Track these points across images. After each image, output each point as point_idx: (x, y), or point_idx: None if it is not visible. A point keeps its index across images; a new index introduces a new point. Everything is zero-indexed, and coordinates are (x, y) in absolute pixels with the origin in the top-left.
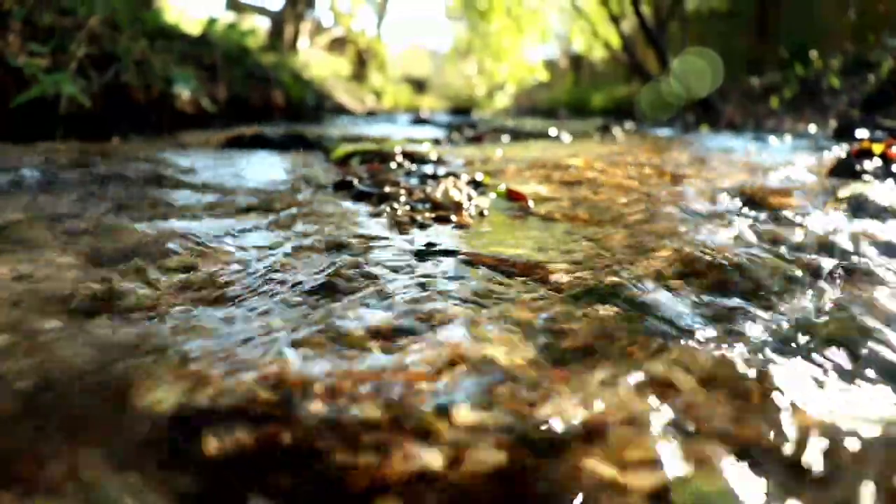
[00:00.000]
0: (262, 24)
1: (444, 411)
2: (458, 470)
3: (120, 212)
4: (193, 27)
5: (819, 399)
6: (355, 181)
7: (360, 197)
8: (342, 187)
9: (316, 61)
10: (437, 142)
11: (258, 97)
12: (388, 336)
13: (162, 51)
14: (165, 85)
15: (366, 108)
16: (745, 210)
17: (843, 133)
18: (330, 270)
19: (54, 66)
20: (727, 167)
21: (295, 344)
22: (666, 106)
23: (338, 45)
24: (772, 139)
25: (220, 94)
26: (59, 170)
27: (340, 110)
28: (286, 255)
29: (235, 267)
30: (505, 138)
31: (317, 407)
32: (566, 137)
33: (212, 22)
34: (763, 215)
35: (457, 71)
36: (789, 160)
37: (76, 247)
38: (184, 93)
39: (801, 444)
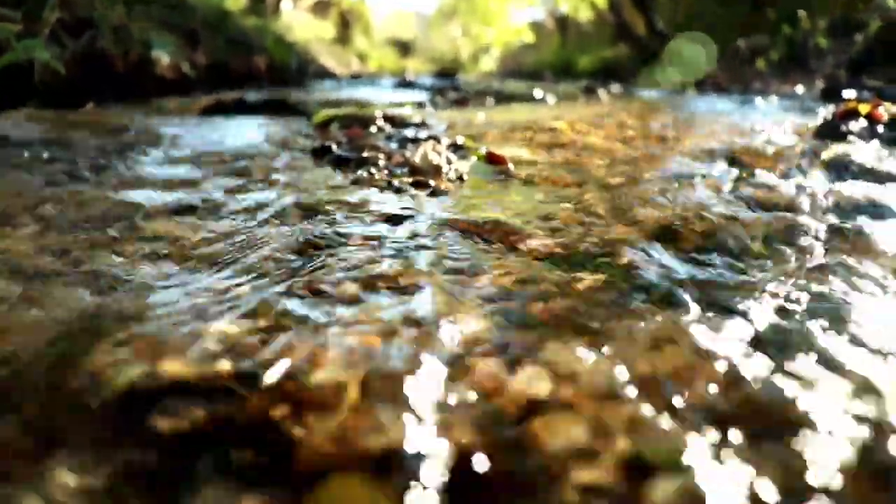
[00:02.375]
0: None
1: (408, 379)
2: (420, 441)
3: (93, 181)
4: None
5: (802, 368)
6: (334, 146)
7: (338, 162)
8: (321, 153)
9: (299, 24)
10: (420, 105)
11: (240, 62)
12: (356, 302)
13: (140, 15)
14: (144, 50)
15: (350, 71)
16: (729, 172)
17: (830, 94)
18: (301, 238)
19: (27, 33)
20: (712, 129)
21: (260, 312)
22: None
23: (321, 7)
24: (758, 101)
25: (201, 60)
26: (32, 139)
27: (324, 74)
28: (258, 222)
29: (206, 235)
30: (489, 101)
31: (277, 377)
32: (551, 100)
33: None
34: (747, 177)
35: (442, 33)
36: (775, 122)
37: (45, 217)
38: (163, 58)
39: (787, 426)
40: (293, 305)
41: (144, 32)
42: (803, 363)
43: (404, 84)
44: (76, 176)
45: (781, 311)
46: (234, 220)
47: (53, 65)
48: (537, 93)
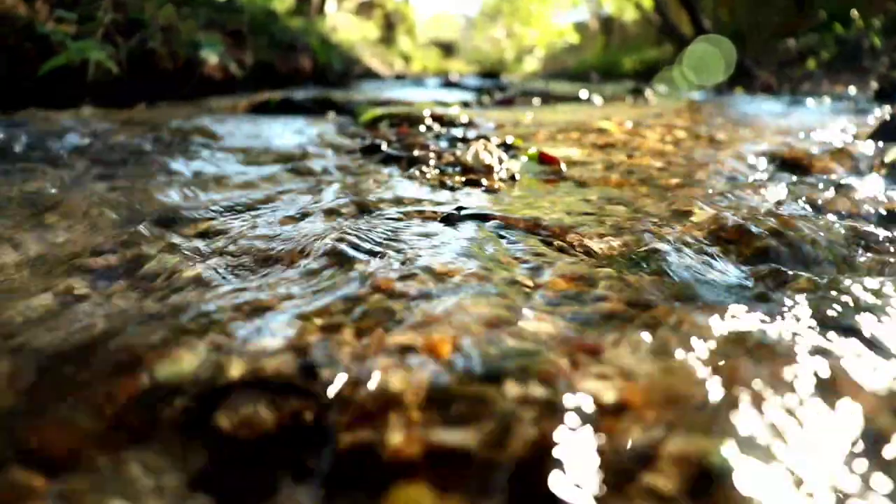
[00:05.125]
0: None
1: (471, 382)
2: (488, 446)
3: (150, 179)
4: None
5: (865, 379)
6: (384, 145)
7: (388, 161)
8: (370, 151)
9: (343, 25)
10: (466, 105)
11: (285, 62)
12: (415, 301)
13: (189, 16)
14: (192, 50)
15: (394, 72)
16: (785, 174)
17: (885, 95)
18: (357, 236)
19: (81, 33)
20: (764, 130)
21: (317, 313)
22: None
23: (365, 8)
24: (809, 102)
25: (247, 60)
26: (88, 137)
27: (368, 74)
28: (312, 220)
29: (262, 233)
30: (535, 102)
31: (338, 379)
32: (597, 100)
33: None
34: (803, 179)
35: (485, 34)
36: (828, 123)
37: (104, 214)
38: (211, 58)
39: (847, 429)
40: (358, 305)
41: (193, 33)
42: (870, 371)
43: (448, 84)
44: (137, 173)
45: (845, 317)
46: (290, 217)
47: (107, 64)
48: (583, 94)
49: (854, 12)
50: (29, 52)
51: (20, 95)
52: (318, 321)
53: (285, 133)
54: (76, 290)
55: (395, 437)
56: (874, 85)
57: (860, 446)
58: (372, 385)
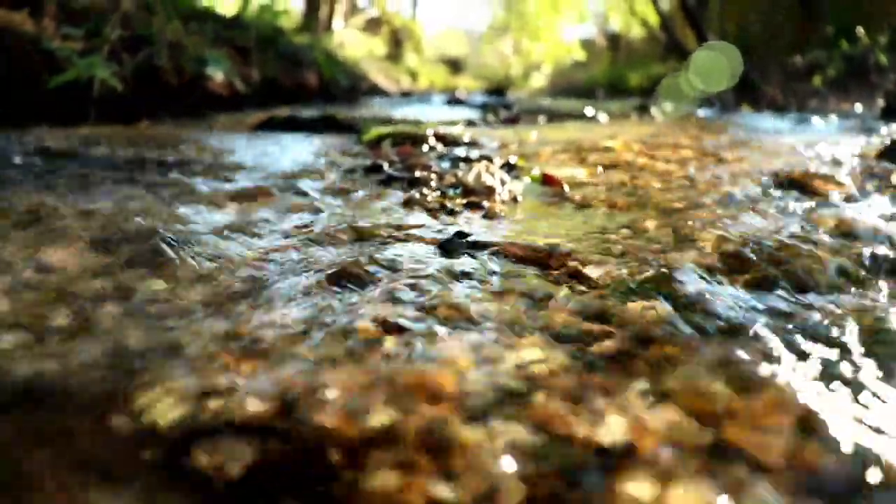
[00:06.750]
0: (297, 5)
1: (466, 425)
2: (490, 490)
3: (148, 199)
4: (227, 9)
5: (875, 420)
6: (385, 165)
7: (389, 182)
8: (372, 171)
9: (351, 42)
10: (471, 123)
11: (292, 78)
12: (407, 335)
13: (195, 32)
14: (198, 67)
15: (401, 88)
16: (791, 196)
17: (892, 113)
18: (351, 262)
19: (88, 50)
20: (770, 150)
21: (306, 345)
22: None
23: (373, 25)
24: (816, 120)
25: (253, 76)
26: (90, 155)
27: (375, 91)
28: (308, 244)
29: (256, 256)
30: (541, 119)
31: (326, 418)
32: (603, 118)
33: (247, 3)
34: (810, 202)
35: (493, 51)
36: (835, 142)
37: (99, 237)
38: (217, 75)
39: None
40: (347, 339)
41: (199, 49)
42: (881, 405)
43: (455, 101)
44: (136, 193)
45: (857, 348)
46: (285, 240)
47: (112, 81)
48: (589, 111)
49: (860, 29)
50: (35, 68)
51: (25, 111)
52: (310, 357)
53: (288, 151)
54: (67, 317)
55: (387, 483)
56: (881, 102)
57: None
58: (364, 424)
